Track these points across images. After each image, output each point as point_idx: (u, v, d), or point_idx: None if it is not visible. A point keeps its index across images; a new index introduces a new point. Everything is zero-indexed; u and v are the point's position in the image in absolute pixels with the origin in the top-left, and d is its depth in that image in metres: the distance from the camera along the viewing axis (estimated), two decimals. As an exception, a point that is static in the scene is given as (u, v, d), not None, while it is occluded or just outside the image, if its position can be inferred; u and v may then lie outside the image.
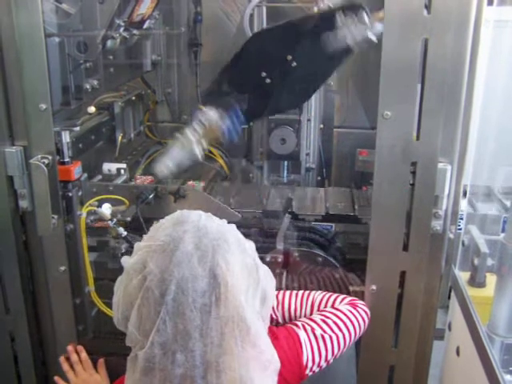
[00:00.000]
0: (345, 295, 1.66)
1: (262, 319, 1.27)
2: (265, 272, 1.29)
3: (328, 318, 1.53)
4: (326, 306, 1.62)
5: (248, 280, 1.23)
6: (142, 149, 2.72)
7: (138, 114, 2.66)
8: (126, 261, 1.26)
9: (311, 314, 1.61)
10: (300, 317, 1.62)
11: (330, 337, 1.49)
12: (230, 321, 1.17)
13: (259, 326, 1.25)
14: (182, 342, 1.14)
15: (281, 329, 1.48)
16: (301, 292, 1.67)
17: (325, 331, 1.49)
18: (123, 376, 1.38)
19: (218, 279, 1.16)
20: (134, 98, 2.57)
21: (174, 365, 1.14)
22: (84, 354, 1.91)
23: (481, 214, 2.36)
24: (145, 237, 1.27)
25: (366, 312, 1.63)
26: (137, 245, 1.26)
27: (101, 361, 1.92)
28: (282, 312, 1.64)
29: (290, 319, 1.63)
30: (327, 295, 1.65)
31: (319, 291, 1.68)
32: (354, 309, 1.60)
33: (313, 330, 1.48)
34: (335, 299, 1.63)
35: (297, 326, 1.50)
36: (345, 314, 1.56)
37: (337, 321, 1.53)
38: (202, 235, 1.21)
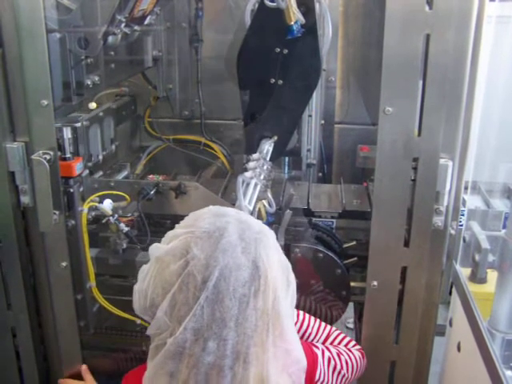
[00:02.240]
0: (356, 342, 1.69)
1: (292, 318, 1.29)
2: (292, 274, 1.30)
3: (342, 354, 1.57)
4: (339, 344, 1.65)
5: (282, 277, 1.25)
6: (110, 172, 2.38)
7: (109, 132, 2.31)
8: (157, 248, 1.25)
9: (323, 344, 1.63)
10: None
11: (339, 372, 1.53)
12: (265, 313, 1.18)
13: (290, 323, 1.27)
14: (216, 329, 1.14)
15: (302, 341, 1.50)
16: (319, 320, 1.70)
17: (336, 364, 1.53)
18: (139, 367, 1.40)
19: (259, 271, 1.18)
20: (101, 113, 2.21)
21: (204, 352, 1.14)
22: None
23: (496, 211, 2.36)
24: (179, 225, 1.27)
25: (366, 366, 1.68)
26: (171, 233, 1.26)
27: (84, 367, 1.93)
28: (298, 330, 1.64)
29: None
30: (342, 334, 1.69)
31: (334, 327, 1.71)
32: (363, 358, 1.65)
33: (329, 358, 1.52)
34: (349, 342, 1.67)
35: (316, 347, 1.53)
36: (355, 358, 1.61)
37: (348, 360, 1.57)
38: (246, 227, 1.23)
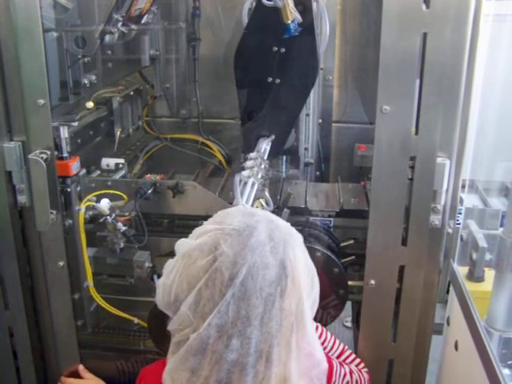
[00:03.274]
0: (365, 365, 1.70)
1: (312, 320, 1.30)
2: (316, 278, 1.31)
3: (353, 373, 1.58)
4: (350, 363, 1.66)
5: (307, 279, 1.25)
6: (140, 144, 2.72)
7: (137, 109, 2.66)
8: (184, 243, 1.25)
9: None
10: None
11: None
12: (289, 314, 1.18)
13: (312, 325, 1.27)
14: (241, 327, 1.14)
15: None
16: (334, 336, 1.70)
17: (349, 381, 1.54)
18: (157, 362, 1.42)
19: (286, 271, 1.18)
20: (132, 93, 2.57)
21: (227, 349, 1.15)
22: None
23: (493, 210, 2.35)
24: (208, 222, 1.27)
25: None
26: (199, 229, 1.25)
27: (81, 367, 1.93)
28: None
29: None
30: (354, 355, 1.70)
31: (347, 346, 1.72)
32: (370, 382, 1.66)
33: (344, 374, 1.52)
34: (359, 363, 1.69)
35: (332, 359, 1.53)
36: (364, 381, 1.61)
37: (358, 380, 1.58)
38: (274, 227, 1.23)
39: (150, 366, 1.52)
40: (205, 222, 1.28)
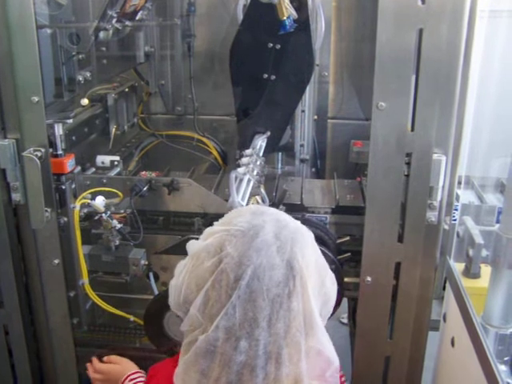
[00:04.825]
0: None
1: (322, 319, 1.28)
2: (331, 276, 1.29)
3: None
4: None
5: (317, 278, 1.23)
6: (135, 141, 2.72)
7: (132, 106, 2.65)
8: (193, 244, 1.24)
9: None
10: None
11: None
12: (298, 314, 1.16)
13: (322, 325, 1.25)
14: (248, 329, 1.13)
15: None
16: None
17: None
18: (166, 360, 1.43)
19: (293, 271, 1.16)
20: (127, 89, 2.56)
21: (236, 351, 1.13)
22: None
23: (489, 206, 2.35)
24: (217, 223, 1.26)
25: None
26: (208, 230, 1.24)
27: (105, 359, 1.89)
28: None
29: None
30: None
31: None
32: None
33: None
34: None
35: None
36: None
37: None
38: (282, 227, 1.21)
39: (158, 363, 1.51)
40: (215, 223, 1.27)
